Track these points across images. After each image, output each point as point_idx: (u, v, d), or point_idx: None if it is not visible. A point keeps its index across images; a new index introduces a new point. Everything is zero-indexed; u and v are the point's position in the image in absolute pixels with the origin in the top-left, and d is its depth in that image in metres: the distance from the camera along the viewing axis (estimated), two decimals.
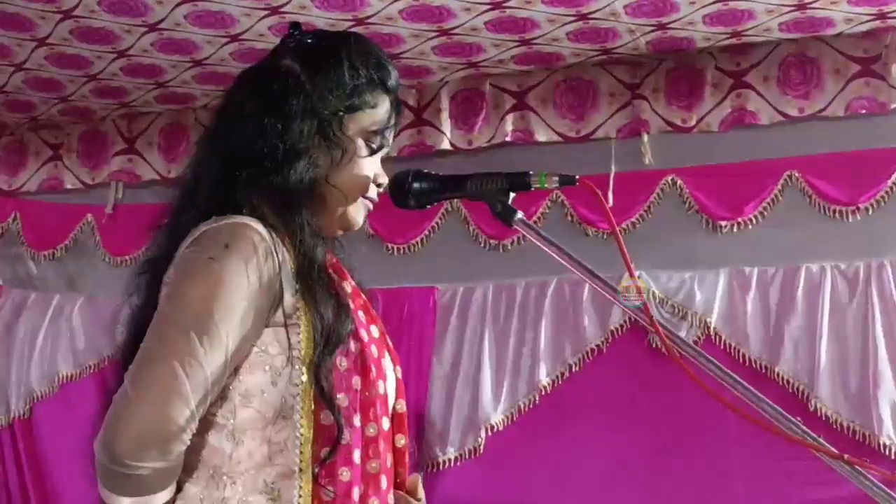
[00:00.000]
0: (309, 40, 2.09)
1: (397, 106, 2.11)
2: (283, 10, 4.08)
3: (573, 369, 4.62)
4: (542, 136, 4.79)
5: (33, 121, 5.54)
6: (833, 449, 1.69)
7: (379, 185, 2.08)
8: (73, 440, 5.47)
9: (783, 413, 1.73)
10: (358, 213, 2.07)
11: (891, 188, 4.32)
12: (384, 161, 2.13)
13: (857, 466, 1.67)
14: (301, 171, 1.96)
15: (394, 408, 2.08)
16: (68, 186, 5.61)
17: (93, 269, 5.54)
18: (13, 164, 5.74)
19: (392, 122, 2.08)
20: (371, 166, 2.06)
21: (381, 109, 2.06)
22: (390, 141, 2.12)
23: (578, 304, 4.64)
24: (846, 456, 1.68)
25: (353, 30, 4.06)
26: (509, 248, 4.80)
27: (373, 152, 2.05)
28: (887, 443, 4.13)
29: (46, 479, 5.37)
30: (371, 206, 2.09)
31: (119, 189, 5.53)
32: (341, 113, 2.01)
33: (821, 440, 1.71)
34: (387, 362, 2.06)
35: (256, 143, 1.97)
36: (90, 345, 5.43)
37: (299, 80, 2.01)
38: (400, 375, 2.13)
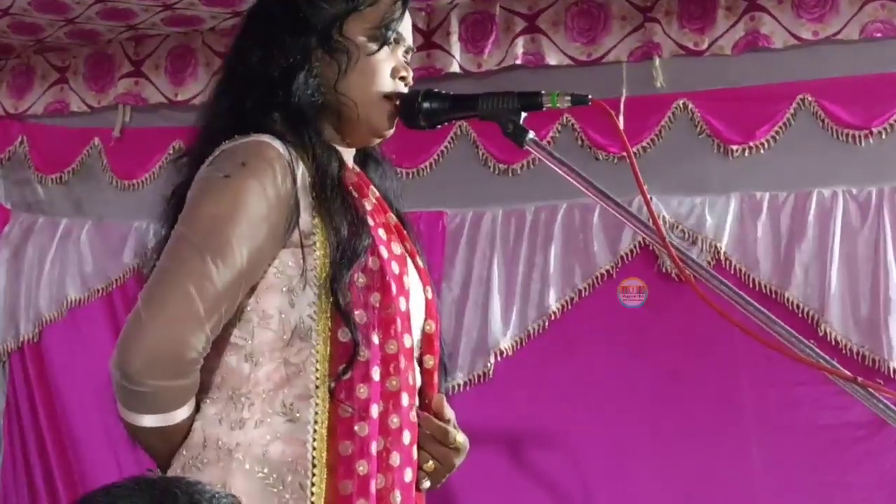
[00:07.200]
0: None
1: None
2: None
3: (583, 294, 4.62)
4: (552, 59, 4.73)
5: (39, 43, 5.49)
6: (846, 371, 1.68)
7: (402, 80, 2.07)
8: (81, 363, 5.51)
9: (796, 335, 1.72)
10: (380, 115, 2.06)
11: None
12: None
13: (870, 388, 1.66)
14: (302, 83, 1.98)
15: (423, 328, 2.08)
16: (74, 109, 5.56)
17: (100, 193, 5.52)
18: (19, 88, 5.69)
19: (398, 14, 2.06)
20: (385, 62, 2.05)
21: (381, 4, 2.05)
22: (407, 35, 2.11)
23: (588, 228, 4.62)
24: (859, 378, 1.67)
25: None
26: (519, 172, 4.77)
27: (382, 46, 2.04)
28: None
29: (56, 401, 5.39)
30: (397, 104, 2.06)
31: (126, 112, 5.49)
32: (338, 19, 2.01)
33: (834, 362, 1.70)
34: (412, 280, 2.05)
35: (260, 68, 2.01)
36: (98, 269, 5.45)
37: (291, 1, 2.04)
38: (431, 296, 2.13)
